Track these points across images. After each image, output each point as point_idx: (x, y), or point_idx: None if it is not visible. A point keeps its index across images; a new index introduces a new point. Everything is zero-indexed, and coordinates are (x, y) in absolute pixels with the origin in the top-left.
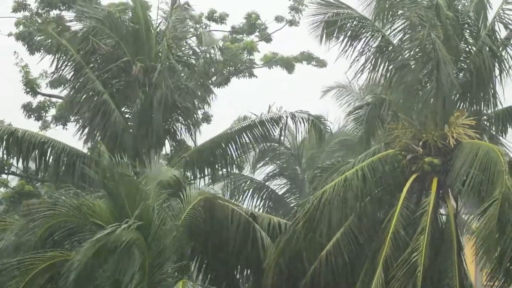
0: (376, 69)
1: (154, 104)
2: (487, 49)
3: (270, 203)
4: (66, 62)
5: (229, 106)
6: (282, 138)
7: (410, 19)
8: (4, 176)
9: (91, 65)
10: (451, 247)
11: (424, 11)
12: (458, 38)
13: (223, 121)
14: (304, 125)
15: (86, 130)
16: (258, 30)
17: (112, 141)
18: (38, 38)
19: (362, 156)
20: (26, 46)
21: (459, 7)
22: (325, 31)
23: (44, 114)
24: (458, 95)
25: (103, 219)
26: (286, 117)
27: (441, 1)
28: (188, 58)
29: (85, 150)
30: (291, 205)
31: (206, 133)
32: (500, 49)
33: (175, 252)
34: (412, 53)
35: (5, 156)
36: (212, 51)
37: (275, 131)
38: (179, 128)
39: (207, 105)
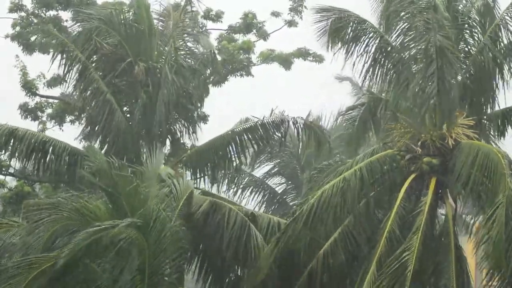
0: (376, 70)
1: (158, 104)
2: (488, 49)
3: (267, 199)
4: (72, 62)
5: (227, 104)
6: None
7: (415, 24)
8: (1, 177)
9: (94, 64)
10: (448, 247)
11: (424, 12)
12: (458, 39)
13: (220, 120)
14: (306, 132)
15: (88, 129)
16: (254, 28)
17: (113, 141)
18: (44, 39)
19: (361, 156)
20: (22, 46)
21: (459, 7)
22: (330, 37)
23: (40, 114)
24: (457, 95)
25: (103, 221)
26: (288, 121)
27: (438, 1)
28: (190, 60)
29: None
30: (290, 204)
31: (203, 132)
32: (502, 52)
33: (175, 252)
34: (413, 54)
35: (5, 156)
36: (210, 52)
37: (276, 135)
38: (179, 128)
39: (202, 105)
